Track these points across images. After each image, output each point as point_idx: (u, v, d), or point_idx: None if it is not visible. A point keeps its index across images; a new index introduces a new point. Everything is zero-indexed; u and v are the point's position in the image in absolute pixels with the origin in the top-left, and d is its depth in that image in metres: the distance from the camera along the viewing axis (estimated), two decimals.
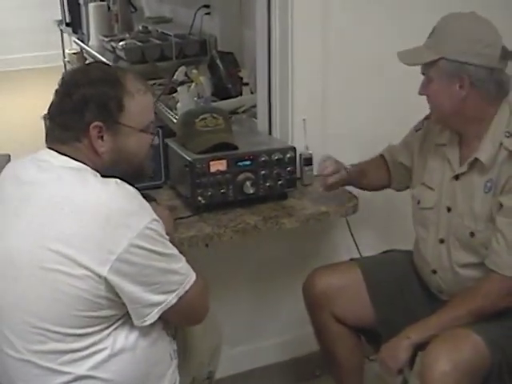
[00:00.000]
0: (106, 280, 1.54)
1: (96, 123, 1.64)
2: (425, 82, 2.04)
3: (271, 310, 2.78)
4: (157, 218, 1.62)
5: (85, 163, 1.65)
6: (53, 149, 1.67)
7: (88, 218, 1.54)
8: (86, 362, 1.60)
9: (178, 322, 1.83)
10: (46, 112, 1.71)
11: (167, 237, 1.65)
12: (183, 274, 1.66)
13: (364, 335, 2.34)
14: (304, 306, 2.33)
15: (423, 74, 2.04)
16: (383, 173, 2.37)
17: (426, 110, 2.14)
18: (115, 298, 1.58)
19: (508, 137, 1.97)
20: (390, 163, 2.36)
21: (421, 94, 2.06)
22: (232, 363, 2.64)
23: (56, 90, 1.69)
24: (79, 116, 1.64)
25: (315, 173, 2.54)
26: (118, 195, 1.59)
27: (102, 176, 1.64)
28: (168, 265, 1.62)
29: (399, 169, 2.32)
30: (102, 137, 1.66)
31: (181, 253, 1.69)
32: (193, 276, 1.68)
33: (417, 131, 2.26)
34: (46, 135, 1.71)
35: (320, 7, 2.46)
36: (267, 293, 2.75)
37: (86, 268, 1.53)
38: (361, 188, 2.38)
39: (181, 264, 1.66)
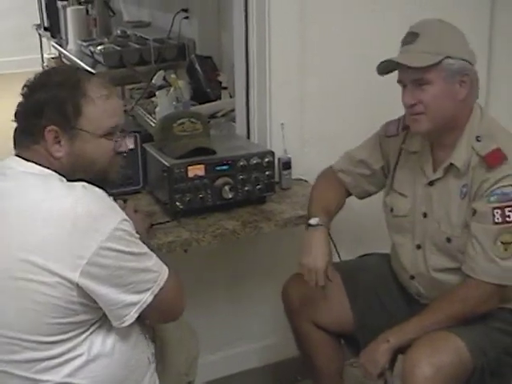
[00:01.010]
0: (77, 285, 1.53)
1: (51, 127, 1.62)
2: (414, 90, 1.95)
3: (251, 314, 2.78)
4: (126, 217, 1.61)
5: (49, 168, 1.63)
6: (19, 155, 1.66)
7: (55, 226, 1.53)
8: (62, 368, 1.59)
9: (155, 320, 1.82)
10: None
11: (137, 235, 1.64)
12: (156, 272, 1.65)
13: (344, 340, 2.33)
14: (283, 311, 2.32)
15: (402, 82, 1.98)
16: (344, 197, 2.31)
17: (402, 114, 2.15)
18: (89, 302, 1.57)
19: (479, 141, 1.98)
20: (350, 186, 2.28)
21: (410, 104, 1.96)
22: (212, 369, 2.64)
23: (21, 94, 1.68)
24: (37, 119, 1.63)
25: (294, 177, 2.55)
26: (85, 199, 1.57)
27: (69, 180, 1.63)
28: (140, 264, 1.61)
29: (377, 176, 2.26)
30: (59, 141, 1.64)
31: (151, 250, 1.68)
32: (166, 272, 1.68)
33: (389, 137, 2.21)
34: (14, 141, 1.69)
35: (297, 12, 2.47)
36: (247, 298, 2.74)
37: (57, 275, 1.52)
38: None
39: (153, 261, 1.66)
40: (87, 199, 1.57)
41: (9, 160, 1.67)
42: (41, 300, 1.53)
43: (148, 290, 1.62)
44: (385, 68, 2.01)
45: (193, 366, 2.11)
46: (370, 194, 2.31)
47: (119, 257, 1.56)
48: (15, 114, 1.68)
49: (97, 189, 1.61)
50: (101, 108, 1.66)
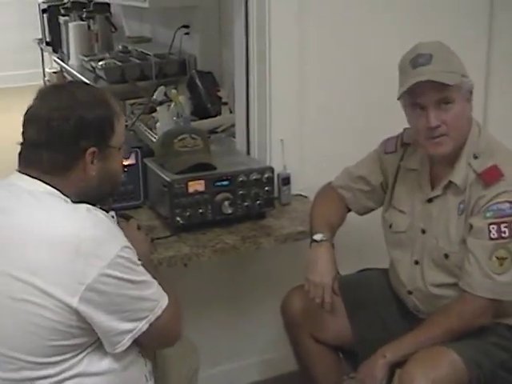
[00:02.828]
0: (76, 310, 1.52)
1: (92, 149, 1.62)
2: (437, 111, 1.94)
3: (251, 329, 2.79)
4: (128, 244, 1.60)
5: (57, 188, 1.61)
6: (25, 173, 1.63)
7: (57, 249, 1.52)
8: None
9: (149, 346, 1.78)
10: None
11: (139, 262, 1.62)
12: (155, 301, 1.63)
13: (342, 353, 2.34)
14: (283, 325, 2.34)
15: (422, 104, 1.94)
16: (345, 212, 2.32)
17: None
18: (87, 326, 1.56)
19: (476, 158, 2.00)
20: (350, 201, 2.29)
21: (435, 125, 1.94)
22: (212, 383, 2.64)
23: (36, 115, 1.62)
24: (74, 142, 1.61)
25: (293, 192, 2.57)
26: (88, 223, 1.56)
27: (73, 202, 1.62)
28: (140, 292, 1.60)
29: (376, 192, 2.27)
30: (93, 161, 1.64)
31: (154, 278, 1.66)
32: (165, 301, 1.66)
33: (388, 154, 2.23)
34: (20, 159, 1.65)
35: (297, 28, 2.50)
36: (247, 312, 2.76)
37: (57, 299, 1.51)
38: None
39: (153, 290, 1.64)
40: (90, 223, 1.56)
41: (13, 177, 1.64)
42: (40, 323, 1.52)
43: (144, 318, 1.61)
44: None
45: (193, 381, 2.11)
46: (369, 210, 2.33)
47: (119, 284, 1.54)
48: (30, 134, 1.62)
49: (100, 212, 1.60)
50: (122, 121, 1.71)
